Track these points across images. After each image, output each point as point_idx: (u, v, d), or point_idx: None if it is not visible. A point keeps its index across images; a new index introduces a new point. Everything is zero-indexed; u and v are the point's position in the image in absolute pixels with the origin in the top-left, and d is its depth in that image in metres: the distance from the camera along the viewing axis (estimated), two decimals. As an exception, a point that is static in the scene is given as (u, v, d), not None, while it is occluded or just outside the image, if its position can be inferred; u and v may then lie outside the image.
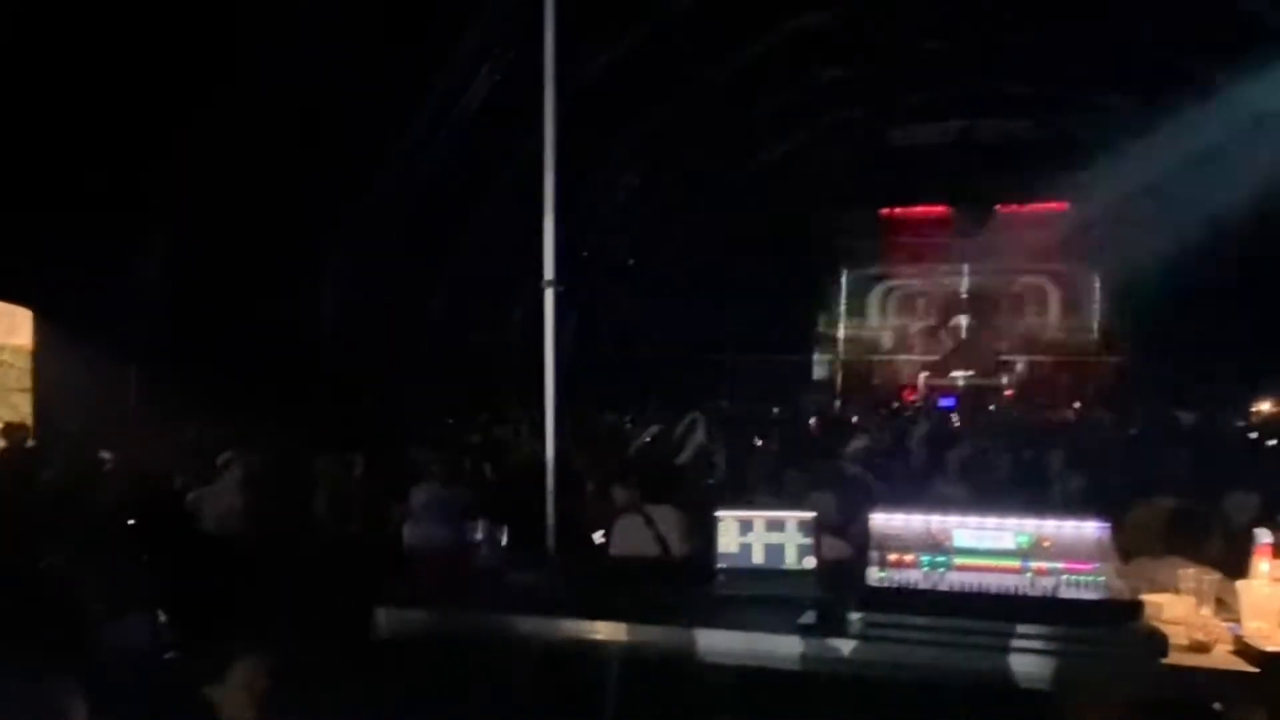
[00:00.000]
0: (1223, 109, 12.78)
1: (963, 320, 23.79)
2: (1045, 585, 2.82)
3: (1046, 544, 2.92)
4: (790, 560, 3.35)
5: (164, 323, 9.19)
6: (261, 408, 7.56)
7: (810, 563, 3.33)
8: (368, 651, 3.20)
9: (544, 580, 3.53)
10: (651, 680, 3.45)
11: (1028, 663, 2.67)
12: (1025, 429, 11.04)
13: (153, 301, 9.26)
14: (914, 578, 2.89)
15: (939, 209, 22.10)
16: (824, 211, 22.75)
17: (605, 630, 3.02)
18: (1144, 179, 14.78)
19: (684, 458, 6.84)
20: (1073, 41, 14.83)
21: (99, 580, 3.23)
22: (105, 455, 6.56)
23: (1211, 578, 3.00)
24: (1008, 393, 21.85)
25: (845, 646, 2.79)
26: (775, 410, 15.18)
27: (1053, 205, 19.50)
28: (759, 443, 8.52)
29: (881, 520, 3.07)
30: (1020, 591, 2.81)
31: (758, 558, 3.36)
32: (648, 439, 7.62)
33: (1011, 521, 3.00)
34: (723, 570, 3.35)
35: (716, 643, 2.94)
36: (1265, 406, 14.75)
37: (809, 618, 2.92)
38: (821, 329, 24.49)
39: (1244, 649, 2.68)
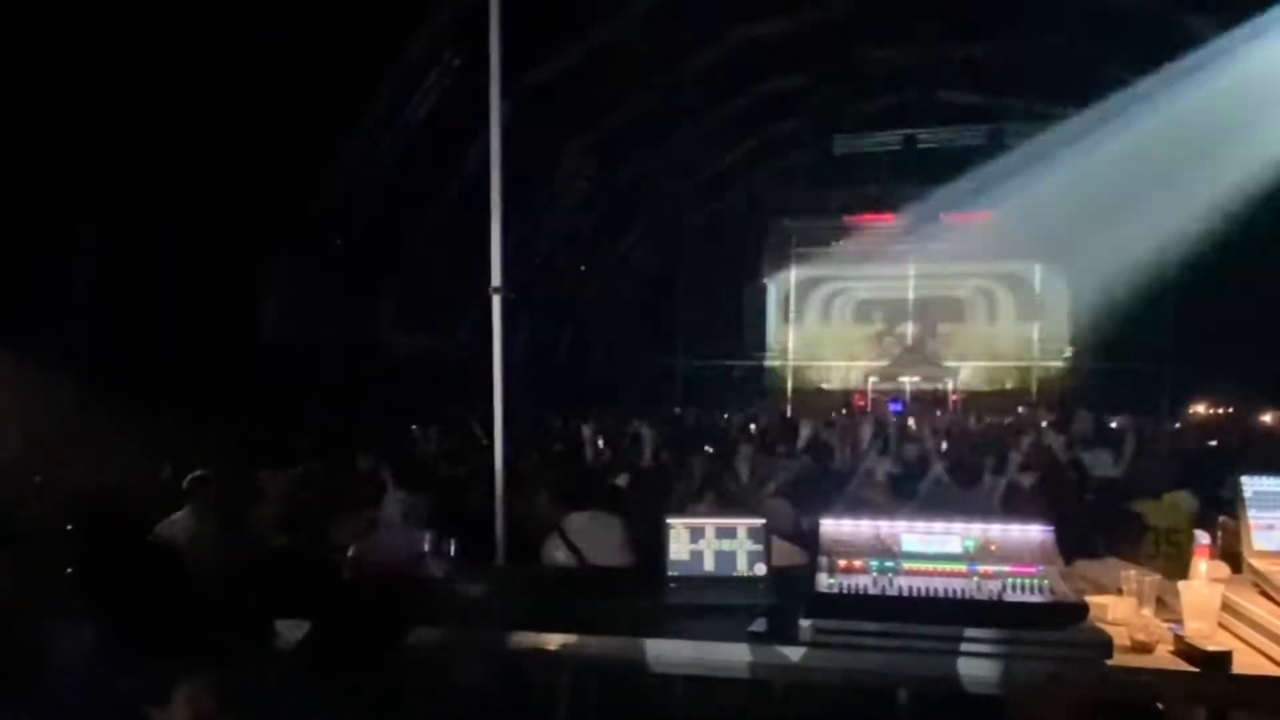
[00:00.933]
0: (1156, 112, 13.12)
1: (909, 326, 24.20)
2: (992, 588, 2.83)
3: (993, 548, 2.95)
4: (741, 567, 3.33)
5: (99, 334, 8.94)
6: (204, 420, 7.39)
7: (761, 569, 3.32)
8: (314, 669, 3.12)
9: (492, 591, 3.48)
10: (601, 692, 3.41)
11: (976, 666, 2.69)
12: (964, 432, 11.19)
13: (87, 312, 9.00)
14: (863, 583, 2.89)
15: (885, 216, 22.45)
16: (773, 219, 23.04)
17: (554, 642, 2.98)
18: (1086, 185, 15.13)
19: (634, 463, 6.79)
20: (1011, 52, 15.17)
21: (37, 598, 3.13)
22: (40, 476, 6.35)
23: (1152, 579, 3.04)
24: (954, 398, 22.25)
25: (795, 653, 2.78)
26: (725, 416, 15.24)
27: (990, 214, 19.93)
28: (709, 449, 8.54)
29: (831, 526, 3.06)
30: (968, 595, 2.82)
31: (709, 565, 3.34)
32: (602, 446, 7.59)
33: (958, 526, 3.02)
34: (674, 578, 3.32)
35: (666, 652, 2.91)
36: (1200, 409, 15.16)
37: (759, 625, 2.91)
38: (772, 335, 24.73)
39: (1185, 649, 2.72)
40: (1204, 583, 2.89)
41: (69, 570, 3.77)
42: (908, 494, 5.95)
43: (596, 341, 19.59)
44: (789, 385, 24.42)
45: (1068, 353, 22.16)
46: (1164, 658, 2.73)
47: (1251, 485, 3.05)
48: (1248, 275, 13.42)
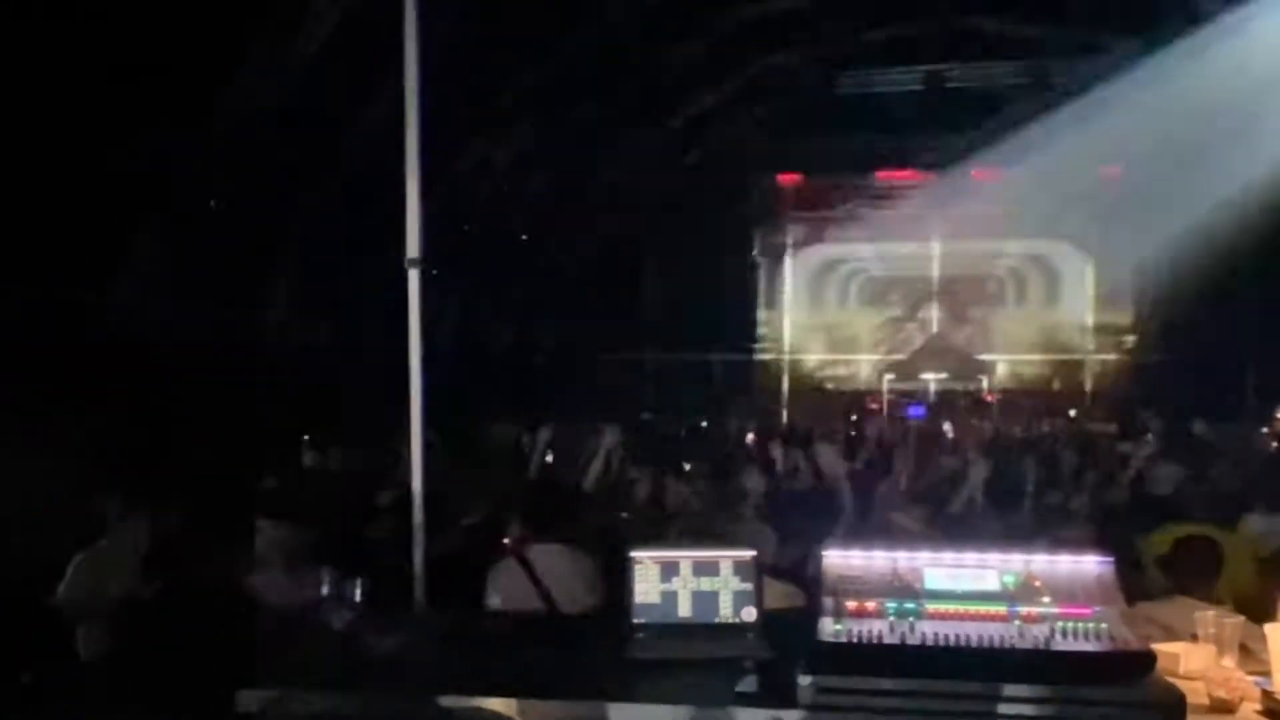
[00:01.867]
0: (1237, 47, 13.23)
1: (934, 311, 24.33)
2: (1037, 635, 2.85)
3: (1037, 584, 2.97)
4: (725, 612, 3.35)
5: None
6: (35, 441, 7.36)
7: (750, 614, 3.34)
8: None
9: (410, 645, 3.46)
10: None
11: (1019, 730, 2.71)
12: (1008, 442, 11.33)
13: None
14: (878, 629, 2.90)
15: (906, 173, 22.47)
16: (762, 178, 23.01)
17: (491, 707, 2.96)
18: (1152, 140, 15.24)
19: (589, 482, 6.82)
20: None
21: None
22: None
23: (1234, 621, 3.08)
24: (988, 398, 22.45)
25: (795, 718, 2.79)
26: (705, 424, 15.29)
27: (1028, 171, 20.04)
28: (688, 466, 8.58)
29: (837, 559, 3.07)
30: (1008, 643, 2.84)
31: (684, 610, 3.36)
32: (548, 458, 7.61)
33: (995, 557, 3.04)
34: (640, 626, 3.33)
35: (632, 719, 2.91)
36: None
37: (749, 684, 2.92)
38: (763, 323, 24.80)
39: (1275, 707, 2.76)
40: (1297, 626, 2.94)
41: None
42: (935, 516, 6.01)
43: (545, 329, 19.54)
44: (785, 384, 24.52)
45: (1128, 342, 22.42)
46: (1249, 718, 2.76)
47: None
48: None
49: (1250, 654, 3.04)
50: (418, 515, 4.32)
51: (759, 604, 3.37)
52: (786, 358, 24.93)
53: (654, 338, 21.42)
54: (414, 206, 4.36)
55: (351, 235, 12.71)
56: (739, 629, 3.32)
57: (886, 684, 2.76)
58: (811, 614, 2.99)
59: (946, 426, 13.41)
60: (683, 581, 3.38)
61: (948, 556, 3.07)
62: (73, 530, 5.57)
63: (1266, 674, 2.90)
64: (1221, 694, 2.80)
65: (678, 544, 4.08)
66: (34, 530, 5.95)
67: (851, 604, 2.97)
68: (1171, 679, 2.84)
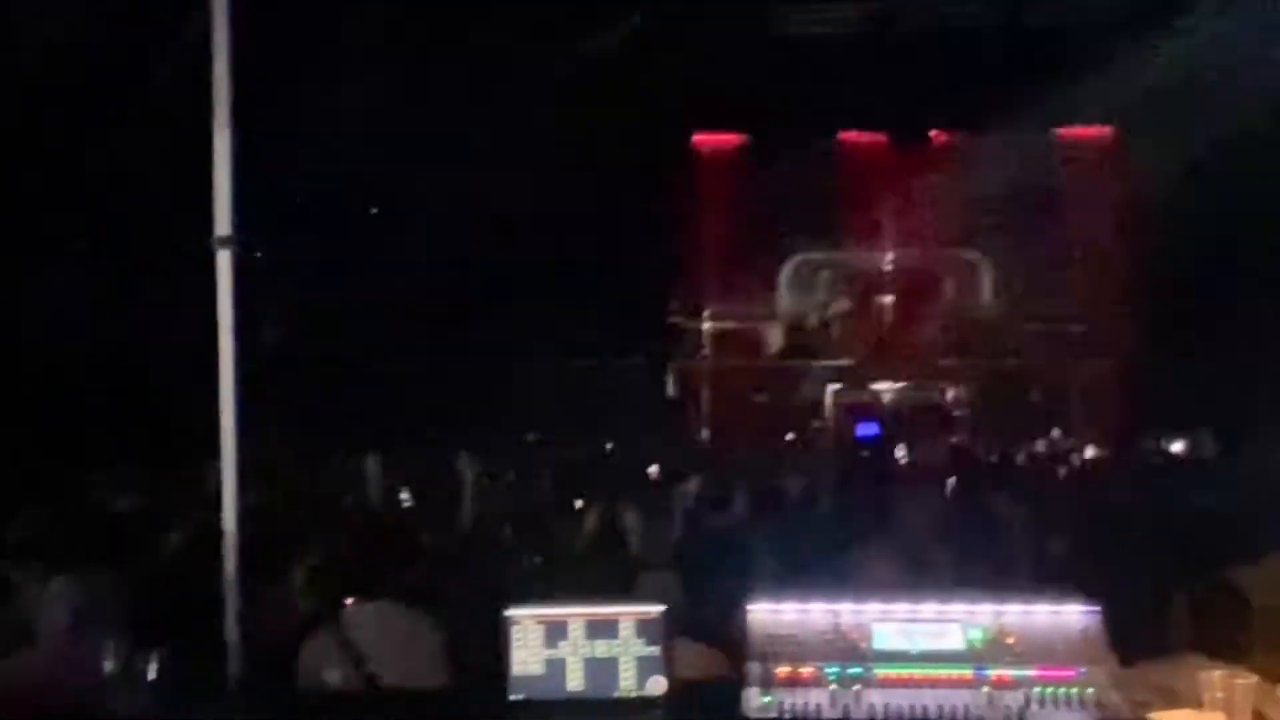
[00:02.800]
0: None
1: (888, 305, 24.52)
2: (1010, 704, 2.91)
3: (1010, 640, 3.02)
4: (626, 684, 3.34)
5: None
6: None
7: (658, 685, 3.33)
8: None
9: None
10: None
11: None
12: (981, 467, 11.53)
13: None
14: (817, 701, 2.94)
15: (857, 135, 22.56)
16: (678, 136, 22.96)
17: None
18: (1159, 97, 15.59)
19: (459, 522, 6.88)
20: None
21: None
22: None
23: (1245, 683, 3.15)
24: (949, 410, 22.67)
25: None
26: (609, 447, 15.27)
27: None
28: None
29: (765, 614, 3.11)
30: (975, 714, 2.89)
31: (575, 682, 3.35)
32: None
33: (958, 608, 3.09)
34: (519, 705, 3.32)
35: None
36: None
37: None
38: (679, 320, 24.74)
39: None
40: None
41: None
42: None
43: (399, 325, 19.30)
44: (704, 395, 24.50)
45: (1126, 341, 22.77)
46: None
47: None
48: None
49: (1266, 722, 3.12)
50: (232, 566, 4.26)
51: (669, 672, 3.36)
52: (708, 365, 24.88)
53: (542, 336, 21.26)
54: (224, 168, 4.30)
55: (144, 207, 12.46)
56: (644, 705, 3.32)
57: (827, 770, 2.81)
58: (734, 683, 3.02)
59: (900, 452, 13.54)
60: (572, 646, 3.36)
61: (901, 608, 3.11)
62: None
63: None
64: (1231, 771, 2.87)
65: (566, 599, 4.07)
66: None
67: (783, 670, 3.00)
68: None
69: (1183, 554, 5.49)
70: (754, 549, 6.46)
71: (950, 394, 23.15)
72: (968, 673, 2.98)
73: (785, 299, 25.15)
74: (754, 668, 3.01)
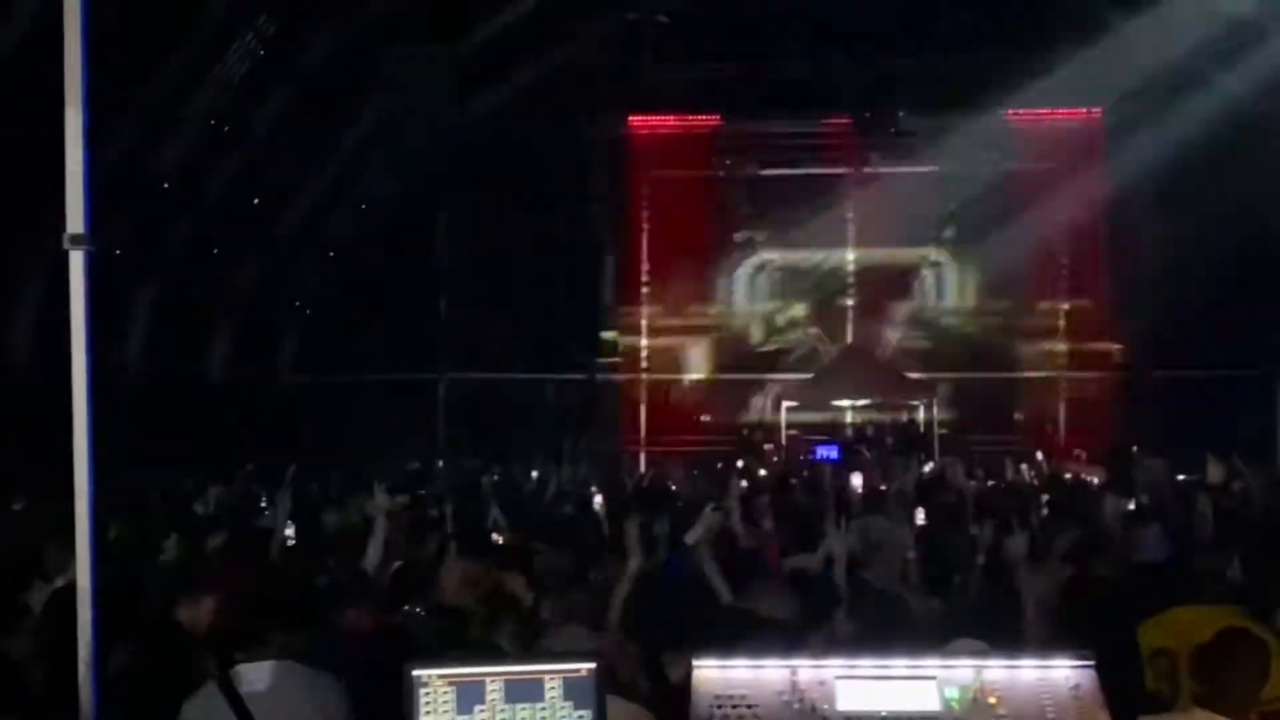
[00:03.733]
0: None
1: (849, 310, 24.55)
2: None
3: (992, 700, 3.05)
4: (554, 753, 3.24)
5: None
6: None
7: (590, 754, 3.20)
8: None
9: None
10: None
11: None
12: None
13: None
14: (771, 771, 2.87)
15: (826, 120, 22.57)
16: (612, 121, 22.87)
17: None
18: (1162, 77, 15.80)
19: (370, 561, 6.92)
20: None
21: None
22: None
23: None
24: (913, 429, 22.69)
25: None
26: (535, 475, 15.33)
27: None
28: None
29: (713, 672, 3.08)
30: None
31: (494, 752, 3.24)
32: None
33: (934, 663, 3.11)
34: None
35: None
36: None
37: None
38: (609, 332, 24.72)
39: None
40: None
41: None
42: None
43: (284, 339, 19.19)
44: (643, 416, 24.45)
45: (1119, 355, 22.87)
46: None
47: None
48: None
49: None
50: (87, 622, 4.03)
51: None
52: (645, 378, 24.84)
53: (453, 352, 21.26)
54: (77, 158, 4.12)
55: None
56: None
57: None
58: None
59: (856, 480, 13.48)
60: (490, 710, 3.32)
61: (867, 663, 3.10)
62: None
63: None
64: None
65: (480, 656, 4.06)
66: None
67: (733, 735, 2.55)
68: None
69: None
70: (701, 597, 6.46)
71: (923, 413, 22.99)
72: (945, 739, 2.91)
73: (734, 306, 25.16)
74: (701, 733, 2.90)
